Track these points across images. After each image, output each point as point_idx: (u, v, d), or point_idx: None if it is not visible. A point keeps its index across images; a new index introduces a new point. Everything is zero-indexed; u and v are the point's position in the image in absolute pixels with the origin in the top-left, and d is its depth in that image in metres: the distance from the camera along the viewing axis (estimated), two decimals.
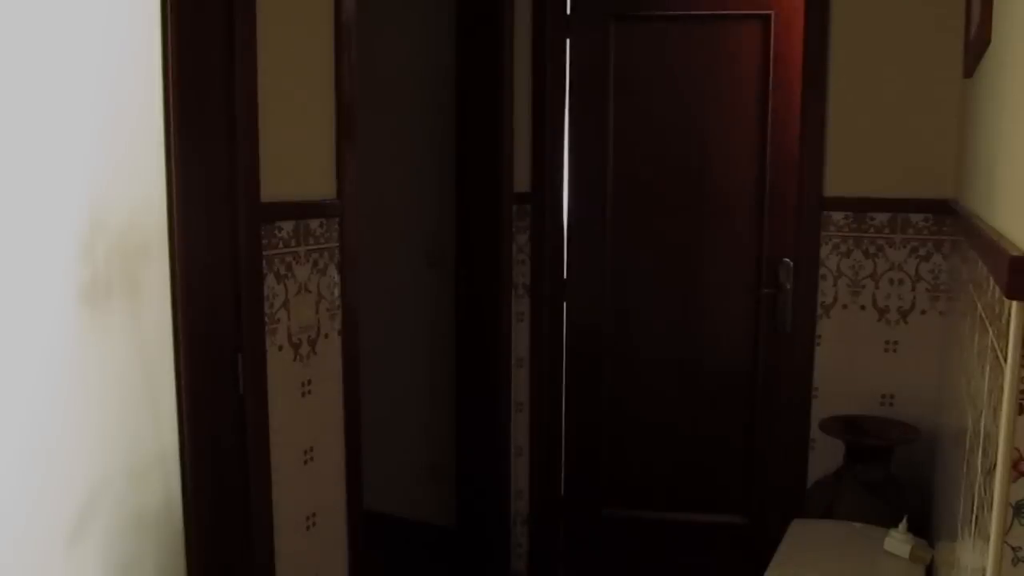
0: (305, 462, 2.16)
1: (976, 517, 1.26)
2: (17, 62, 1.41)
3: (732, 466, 3.23)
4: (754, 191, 3.09)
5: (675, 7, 3.07)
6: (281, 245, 2.02)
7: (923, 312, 2.65)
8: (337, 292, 2.23)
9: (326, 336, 2.20)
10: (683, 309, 3.21)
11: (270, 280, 1.99)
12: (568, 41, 3.17)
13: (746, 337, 3.14)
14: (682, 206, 3.18)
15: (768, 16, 2.96)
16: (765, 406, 3.12)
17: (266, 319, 1.98)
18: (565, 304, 3.28)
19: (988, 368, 1.25)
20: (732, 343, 3.18)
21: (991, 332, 1.24)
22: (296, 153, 2.09)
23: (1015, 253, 1.01)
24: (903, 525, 2.19)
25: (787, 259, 2.97)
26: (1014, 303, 1.01)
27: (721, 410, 3.23)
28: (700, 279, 3.19)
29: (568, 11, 3.16)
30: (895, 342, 2.68)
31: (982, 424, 1.27)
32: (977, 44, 1.92)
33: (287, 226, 2.04)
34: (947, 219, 2.57)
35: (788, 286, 2.97)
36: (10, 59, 1.40)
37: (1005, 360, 1.04)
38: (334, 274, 2.22)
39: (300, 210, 2.09)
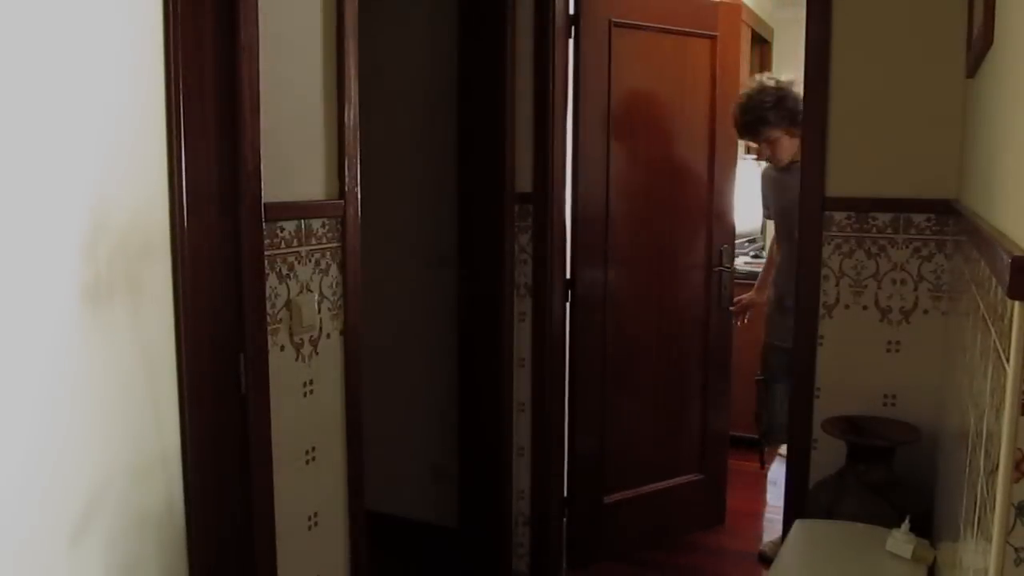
0: (307, 462, 2.17)
1: (978, 517, 1.25)
2: (22, 63, 1.41)
3: (693, 428, 3.73)
4: (706, 184, 3.61)
5: (658, 20, 3.40)
6: (283, 245, 2.03)
7: (925, 312, 2.65)
8: (339, 292, 2.23)
9: (328, 336, 2.21)
10: (660, 291, 3.58)
11: (272, 280, 2.00)
12: (571, 42, 3.18)
13: (701, 310, 3.67)
14: (661, 199, 3.53)
15: (714, 37, 3.53)
16: (714, 370, 3.73)
17: (268, 319, 1.98)
18: (568, 304, 3.29)
19: (990, 368, 1.25)
20: (692, 316, 3.66)
21: (993, 332, 1.24)
22: (298, 153, 2.09)
23: (1017, 253, 1.01)
24: (905, 525, 2.19)
25: (727, 245, 3.68)
26: (1016, 303, 1.01)
27: (686, 377, 3.70)
28: (675, 265, 3.62)
29: (571, 12, 3.17)
30: (897, 342, 2.68)
31: (984, 424, 1.27)
32: (979, 44, 1.92)
33: (289, 226, 2.04)
34: (949, 219, 2.57)
35: (730, 267, 3.71)
36: (15, 60, 1.40)
37: (1007, 360, 1.04)
38: (336, 274, 2.22)
39: (302, 210, 2.09)
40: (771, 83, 3.31)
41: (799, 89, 3.02)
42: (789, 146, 3.30)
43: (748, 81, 3.33)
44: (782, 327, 3.36)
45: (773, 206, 3.62)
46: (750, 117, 3.32)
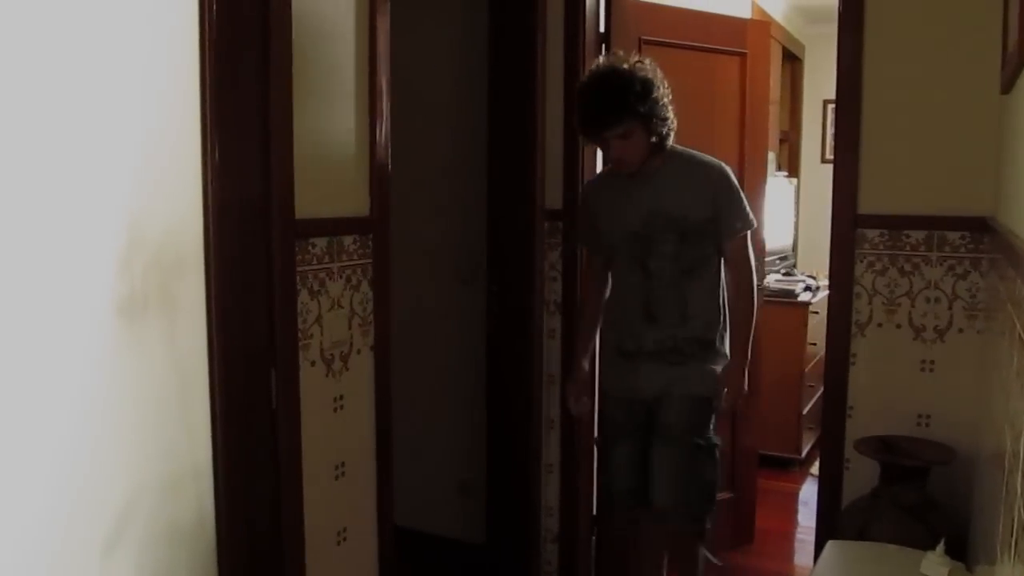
0: (336, 477, 2.18)
1: (1016, 540, 1.23)
2: (61, 79, 1.44)
3: (722, 446, 3.42)
4: None
5: (687, 38, 3.42)
6: (315, 261, 2.05)
7: (960, 331, 2.61)
8: (369, 308, 2.25)
9: (358, 352, 2.22)
10: None
11: (303, 296, 2.01)
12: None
13: None
14: None
15: (744, 54, 3.54)
16: None
17: (299, 334, 2.00)
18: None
19: None
20: None
21: None
22: (330, 170, 2.11)
23: None
24: (940, 548, 2.15)
25: (756, 262, 3.49)
26: None
27: None
28: None
29: (601, 29, 3.18)
30: (932, 361, 2.64)
31: (1021, 445, 1.25)
32: (1014, 60, 1.90)
33: (321, 242, 2.06)
34: (985, 236, 2.54)
35: (760, 284, 3.31)
36: (54, 76, 1.43)
37: None
38: (367, 290, 2.23)
39: (334, 226, 2.11)
40: (625, 66, 2.49)
41: (656, 77, 2.52)
42: (644, 146, 2.51)
43: (597, 62, 2.60)
44: (622, 376, 2.68)
45: (614, 226, 2.65)
46: (612, 102, 2.45)
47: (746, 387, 2.64)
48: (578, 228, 2.97)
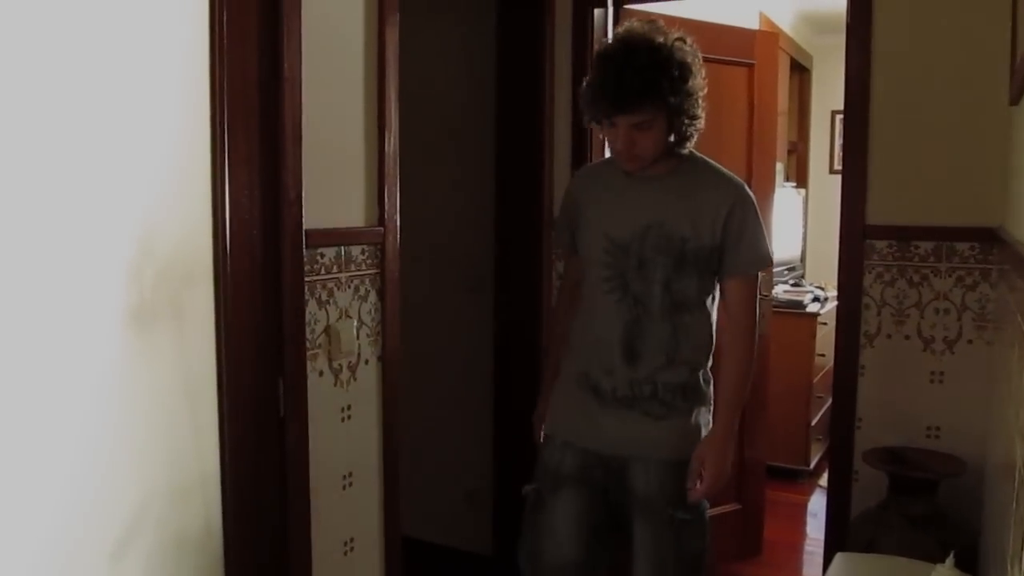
0: (344, 487, 2.18)
1: None
2: (74, 90, 1.45)
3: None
4: None
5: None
6: (323, 271, 2.05)
7: (970, 342, 2.60)
8: (377, 318, 2.25)
9: (366, 362, 2.22)
10: None
11: (312, 306, 2.02)
12: None
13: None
14: None
15: (752, 65, 3.57)
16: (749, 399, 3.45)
17: (307, 344, 2.00)
18: None
19: None
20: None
21: None
22: (339, 181, 2.12)
23: None
24: (950, 560, 2.13)
25: (764, 273, 3.33)
26: None
27: None
28: None
29: (609, 39, 3.18)
30: (941, 373, 2.63)
31: None
32: (1023, 71, 1.90)
33: (329, 252, 2.07)
34: (994, 247, 2.53)
35: (767, 295, 3.54)
36: (67, 87, 1.44)
37: None
38: (375, 300, 2.24)
39: (342, 237, 2.12)
40: (662, 40, 2.00)
41: (696, 64, 2.05)
42: (661, 144, 2.03)
43: (629, 26, 2.09)
44: (581, 417, 2.16)
45: (596, 229, 2.14)
46: (640, 81, 1.94)
47: (729, 466, 2.09)
48: (558, 222, 2.39)
